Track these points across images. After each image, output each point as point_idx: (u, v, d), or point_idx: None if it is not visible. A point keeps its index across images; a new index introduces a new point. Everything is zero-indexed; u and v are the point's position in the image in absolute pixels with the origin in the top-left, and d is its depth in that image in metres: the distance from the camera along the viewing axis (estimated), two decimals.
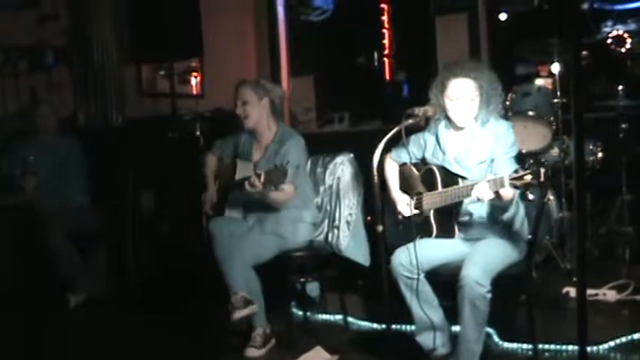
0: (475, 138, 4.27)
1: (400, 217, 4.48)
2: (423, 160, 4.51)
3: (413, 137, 4.50)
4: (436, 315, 4.25)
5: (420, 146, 4.51)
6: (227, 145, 5.47)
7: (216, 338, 5.20)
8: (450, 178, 4.21)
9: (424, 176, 4.39)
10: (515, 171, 3.72)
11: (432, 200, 4.26)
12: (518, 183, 3.68)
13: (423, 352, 4.32)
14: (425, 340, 4.30)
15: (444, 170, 4.29)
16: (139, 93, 8.07)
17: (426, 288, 4.22)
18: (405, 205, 4.45)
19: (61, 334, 5.70)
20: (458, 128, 4.33)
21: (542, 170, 3.60)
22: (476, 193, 3.88)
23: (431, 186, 4.30)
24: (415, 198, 4.41)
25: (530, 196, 4.31)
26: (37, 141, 6.57)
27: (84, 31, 7.56)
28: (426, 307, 4.20)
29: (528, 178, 3.64)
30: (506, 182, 3.73)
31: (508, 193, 3.94)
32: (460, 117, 4.26)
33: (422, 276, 4.18)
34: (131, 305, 6.18)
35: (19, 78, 7.42)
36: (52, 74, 7.63)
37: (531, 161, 3.68)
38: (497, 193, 3.85)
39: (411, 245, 4.14)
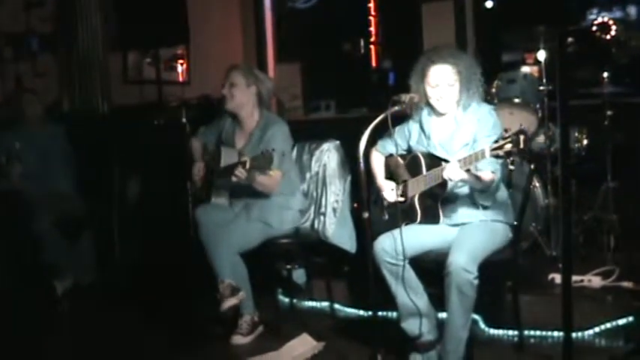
0: (458, 122, 4.32)
1: (385, 203, 4.49)
2: (409, 151, 4.54)
3: (397, 128, 4.52)
4: (421, 301, 4.25)
5: (405, 136, 4.54)
6: (210, 132, 5.46)
7: (203, 325, 5.20)
8: (436, 163, 4.21)
9: (410, 164, 4.40)
10: (496, 141, 3.75)
11: (417, 185, 4.29)
12: (500, 152, 3.71)
13: (409, 339, 4.33)
14: (410, 326, 4.30)
15: (429, 155, 4.31)
16: (125, 80, 8.05)
17: (410, 274, 4.22)
18: (389, 191, 4.45)
19: (49, 320, 5.71)
20: (440, 114, 4.37)
21: (522, 137, 3.62)
22: (446, 174, 3.93)
23: (416, 172, 4.31)
24: (401, 186, 4.42)
25: (511, 167, 4.33)
26: (23, 128, 6.52)
27: (69, 18, 7.52)
28: (410, 293, 4.20)
29: (509, 146, 3.66)
30: (487, 153, 3.77)
31: (486, 176, 4.00)
32: (441, 103, 4.31)
33: (406, 262, 4.18)
34: (118, 292, 6.18)
35: (4, 65, 7.40)
36: (38, 61, 7.59)
37: (511, 130, 3.70)
38: (469, 171, 3.93)
39: (395, 231, 4.15)
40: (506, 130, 3.77)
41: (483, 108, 4.30)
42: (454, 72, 4.25)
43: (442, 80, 4.25)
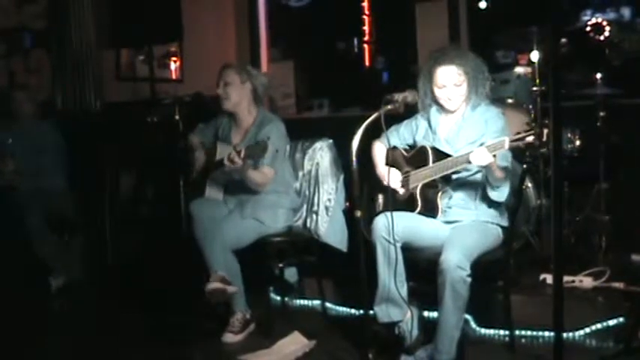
0: (466, 120, 4.38)
1: (386, 186, 4.47)
2: (412, 146, 4.59)
3: (405, 122, 4.62)
4: (401, 289, 4.21)
5: (412, 130, 4.60)
6: (208, 129, 5.46)
7: (195, 323, 5.20)
8: (441, 157, 4.25)
9: (415, 156, 4.45)
10: (517, 132, 3.76)
11: (422, 173, 4.33)
12: (520, 144, 3.72)
13: (399, 338, 4.32)
14: (382, 311, 4.28)
15: (435, 150, 4.35)
16: (118, 77, 8.03)
17: (399, 258, 4.18)
18: (393, 177, 4.48)
19: (42, 317, 5.71)
20: (449, 112, 4.43)
21: (545, 131, 3.62)
22: (473, 157, 3.94)
23: (422, 164, 4.35)
24: (402, 177, 4.47)
25: (525, 164, 4.35)
26: (15, 125, 6.52)
27: (62, 15, 7.51)
28: (393, 276, 4.18)
29: (530, 138, 3.67)
30: (507, 144, 3.81)
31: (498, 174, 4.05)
32: (449, 102, 4.37)
33: (399, 244, 4.17)
34: (110, 289, 6.18)
35: None
36: (30, 57, 7.58)
37: (533, 124, 3.70)
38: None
39: (394, 213, 4.15)
40: (528, 124, 3.78)
41: (492, 110, 4.36)
42: (460, 72, 4.30)
43: (448, 81, 4.31)
